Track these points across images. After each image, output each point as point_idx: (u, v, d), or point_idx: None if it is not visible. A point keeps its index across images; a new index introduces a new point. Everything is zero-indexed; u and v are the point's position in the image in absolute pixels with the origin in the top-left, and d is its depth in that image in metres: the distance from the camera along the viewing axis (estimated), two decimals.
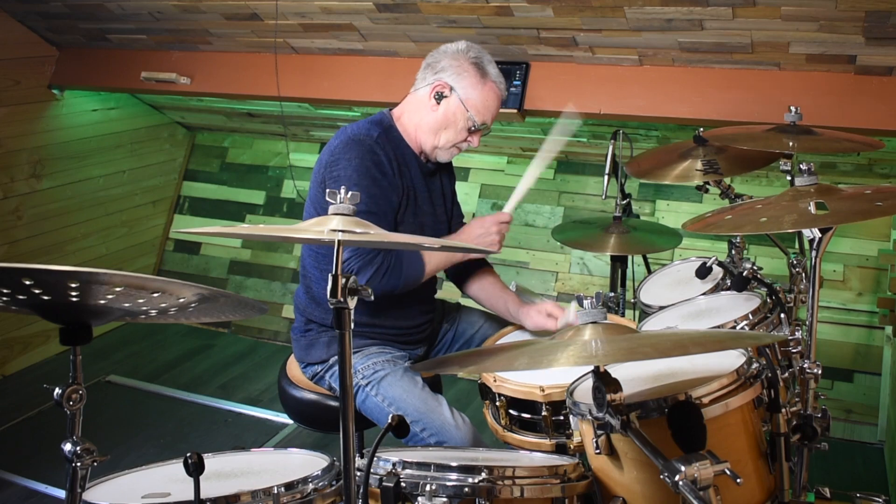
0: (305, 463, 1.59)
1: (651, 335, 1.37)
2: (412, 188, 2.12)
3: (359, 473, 1.36)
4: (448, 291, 2.64)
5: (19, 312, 1.26)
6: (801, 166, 1.63)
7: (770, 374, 1.48)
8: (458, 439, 1.92)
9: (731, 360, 1.54)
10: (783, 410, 1.48)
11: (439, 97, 2.07)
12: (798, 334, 1.71)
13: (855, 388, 3.28)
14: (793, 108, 1.95)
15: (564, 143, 2.40)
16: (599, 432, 1.38)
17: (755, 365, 1.48)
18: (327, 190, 1.35)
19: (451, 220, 2.30)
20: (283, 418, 3.31)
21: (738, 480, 1.21)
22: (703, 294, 2.19)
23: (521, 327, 2.26)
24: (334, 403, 2.14)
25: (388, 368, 2.06)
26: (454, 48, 2.10)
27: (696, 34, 2.62)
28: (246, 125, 4.37)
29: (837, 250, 3.38)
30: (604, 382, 1.29)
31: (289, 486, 1.41)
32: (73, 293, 1.12)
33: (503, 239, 2.14)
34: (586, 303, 1.35)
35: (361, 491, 1.36)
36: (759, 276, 2.04)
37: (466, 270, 2.33)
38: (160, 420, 3.38)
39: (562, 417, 1.75)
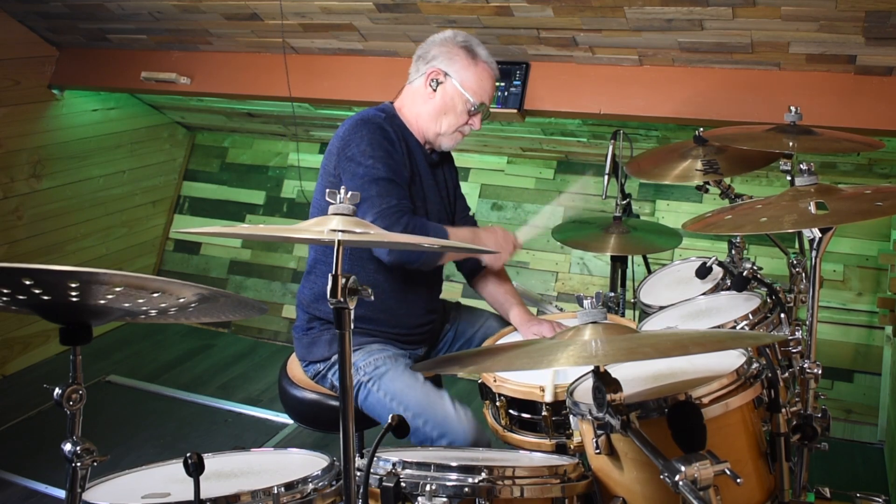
0: (305, 463, 1.59)
1: (651, 335, 1.37)
2: (418, 174, 2.15)
3: (359, 473, 1.36)
4: (447, 291, 2.64)
5: (19, 312, 1.26)
6: (801, 166, 1.63)
7: (770, 374, 1.48)
8: (460, 432, 1.91)
9: (731, 360, 1.54)
10: (783, 410, 1.48)
11: (435, 84, 2.11)
12: (798, 334, 1.71)
13: (855, 388, 3.28)
14: (793, 108, 1.94)
15: (580, 193, 2.54)
16: (599, 432, 1.38)
17: (755, 365, 1.48)
18: (327, 190, 1.35)
19: (454, 213, 2.31)
20: (283, 418, 3.31)
21: (738, 480, 1.21)
22: (703, 294, 2.19)
23: None
24: (335, 403, 2.14)
25: (388, 364, 2.06)
26: (441, 36, 2.14)
27: (696, 34, 2.62)
28: (246, 125, 4.37)
29: (837, 250, 3.38)
30: (604, 382, 1.29)
31: (289, 486, 1.41)
32: (73, 293, 1.12)
33: (508, 259, 2.24)
34: (586, 303, 1.35)
35: (361, 491, 1.36)
36: (759, 276, 2.04)
37: (478, 265, 2.33)
38: (160, 420, 3.38)
39: (562, 417, 1.75)
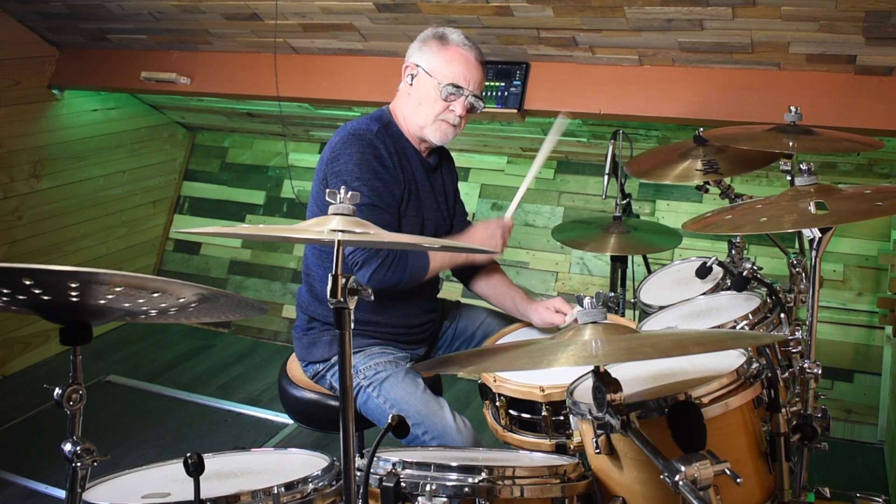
0: (305, 463, 1.59)
1: (651, 335, 1.37)
2: (414, 182, 2.14)
3: (359, 473, 1.36)
4: (447, 290, 2.64)
5: (19, 312, 1.26)
6: (801, 166, 1.63)
7: (770, 374, 1.48)
8: (458, 442, 1.92)
9: (731, 360, 1.54)
10: (783, 410, 1.49)
11: (411, 79, 2.12)
12: (798, 334, 1.71)
13: (855, 388, 3.28)
14: (793, 108, 1.95)
15: (556, 142, 2.49)
16: (599, 432, 1.38)
17: (755, 365, 1.48)
18: (327, 190, 1.35)
19: (453, 217, 2.31)
20: (283, 418, 3.31)
21: (738, 480, 1.21)
22: (703, 294, 2.19)
23: (522, 326, 2.26)
24: (334, 403, 2.14)
25: (389, 370, 2.06)
26: (420, 36, 2.15)
27: (696, 34, 2.62)
28: (246, 125, 4.37)
29: (837, 250, 3.38)
30: (604, 382, 1.29)
31: (289, 486, 1.41)
32: (73, 293, 1.12)
33: (506, 243, 2.20)
34: (586, 303, 1.35)
35: (361, 491, 1.36)
36: (759, 276, 2.04)
37: (473, 267, 2.33)
38: (160, 420, 3.38)
39: (562, 417, 1.75)
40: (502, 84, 2.99)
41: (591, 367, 1.32)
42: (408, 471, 1.38)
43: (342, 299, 1.24)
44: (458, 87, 2.07)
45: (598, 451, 1.39)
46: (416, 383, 2.04)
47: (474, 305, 2.45)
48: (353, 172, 2.00)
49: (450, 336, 2.36)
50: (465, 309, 2.42)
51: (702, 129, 2.22)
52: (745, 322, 1.88)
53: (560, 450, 1.76)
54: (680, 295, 2.23)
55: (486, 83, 3.00)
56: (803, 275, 2.09)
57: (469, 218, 2.41)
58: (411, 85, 2.11)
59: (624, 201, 2.60)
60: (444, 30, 2.12)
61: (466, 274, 2.34)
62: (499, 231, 2.16)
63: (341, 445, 1.28)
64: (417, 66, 2.10)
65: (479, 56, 2.12)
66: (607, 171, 2.57)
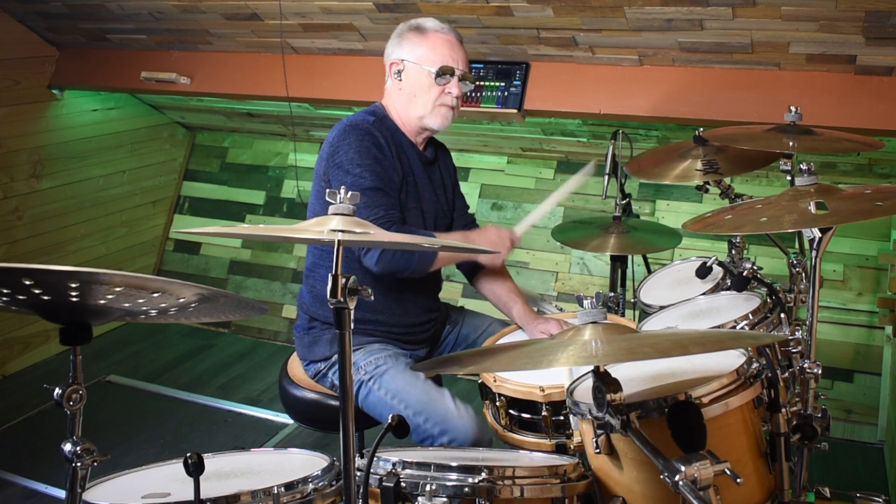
0: (305, 463, 1.59)
1: (651, 335, 1.37)
2: (412, 174, 2.15)
3: (359, 473, 1.36)
4: (447, 291, 2.64)
5: (19, 312, 1.26)
6: (801, 166, 1.63)
7: (770, 374, 1.48)
8: (461, 429, 1.90)
9: (731, 359, 1.54)
10: (783, 410, 1.49)
11: (398, 74, 2.14)
12: (798, 334, 1.71)
13: (855, 388, 3.28)
14: (793, 108, 1.95)
15: (581, 184, 2.54)
16: (599, 432, 1.38)
17: (755, 365, 1.49)
18: (327, 190, 1.35)
19: (453, 211, 2.31)
20: (283, 418, 3.31)
21: (738, 480, 1.21)
22: (703, 294, 2.19)
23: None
24: (335, 403, 2.14)
25: (389, 363, 2.07)
26: (395, 33, 2.18)
27: (696, 34, 2.62)
28: (246, 125, 4.37)
29: (837, 250, 3.38)
30: (604, 382, 1.29)
31: (289, 486, 1.41)
32: (73, 293, 1.12)
33: (506, 256, 2.23)
34: (586, 303, 1.35)
35: (361, 491, 1.36)
36: (759, 276, 2.04)
37: (479, 265, 2.33)
38: (160, 420, 3.38)
39: (562, 417, 1.75)
40: (502, 84, 2.99)
41: (591, 367, 1.32)
42: (408, 471, 1.38)
43: (342, 299, 1.24)
44: (448, 68, 2.10)
45: (598, 451, 1.39)
46: (417, 374, 2.03)
47: (478, 312, 2.45)
48: (353, 160, 2.02)
49: (452, 340, 2.36)
50: (469, 315, 2.42)
51: (702, 129, 2.22)
52: (745, 322, 1.88)
53: (560, 450, 1.76)
54: (680, 295, 2.23)
55: (486, 83, 3.01)
56: (803, 275, 2.09)
57: (471, 212, 2.41)
58: (400, 80, 2.14)
59: (624, 201, 2.61)
60: (416, 21, 2.16)
61: (472, 269, 2.34)
62: (507, 240, 2.18)
63: (341, 445, 1.28)
64: (402, 60, 2.13)
65: (458, 36, 2.16)
66: (607, 171, 2.57)
